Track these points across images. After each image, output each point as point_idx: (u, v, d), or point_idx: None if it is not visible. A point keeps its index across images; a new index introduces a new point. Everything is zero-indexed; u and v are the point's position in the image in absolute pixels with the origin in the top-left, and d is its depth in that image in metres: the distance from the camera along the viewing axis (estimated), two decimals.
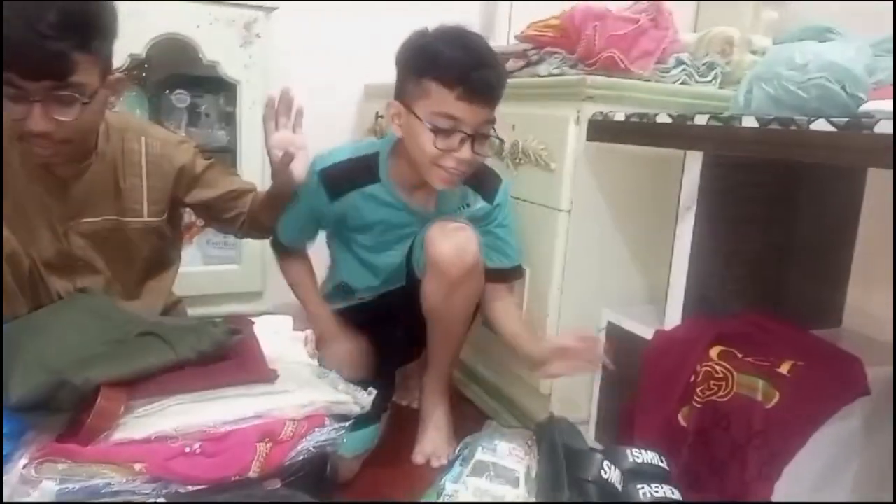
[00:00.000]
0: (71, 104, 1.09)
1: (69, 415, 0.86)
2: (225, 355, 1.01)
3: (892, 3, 1.33)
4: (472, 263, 1.31)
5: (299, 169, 1.32)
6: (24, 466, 0.82)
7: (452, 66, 1.16)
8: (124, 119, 1.31)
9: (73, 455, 0.82)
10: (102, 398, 0.84)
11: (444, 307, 1.37)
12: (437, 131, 1.19)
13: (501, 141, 1.37)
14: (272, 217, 1.44)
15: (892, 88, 0.99)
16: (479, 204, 1.37)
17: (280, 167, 1.31)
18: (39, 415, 0.87)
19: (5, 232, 1.11)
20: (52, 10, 1.03)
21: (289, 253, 1.47)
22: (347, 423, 0.97)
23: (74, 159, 1.22)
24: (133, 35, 1.67)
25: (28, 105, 1.06)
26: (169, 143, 1.35)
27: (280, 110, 1.33)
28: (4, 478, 0.83)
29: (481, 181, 1.36)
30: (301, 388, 1.01)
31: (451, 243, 1.30)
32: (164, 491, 0.83)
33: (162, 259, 1.40)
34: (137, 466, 0.82)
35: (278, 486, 0.90)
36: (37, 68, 1.04)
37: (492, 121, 1.24)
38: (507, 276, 1.42)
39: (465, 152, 1.20)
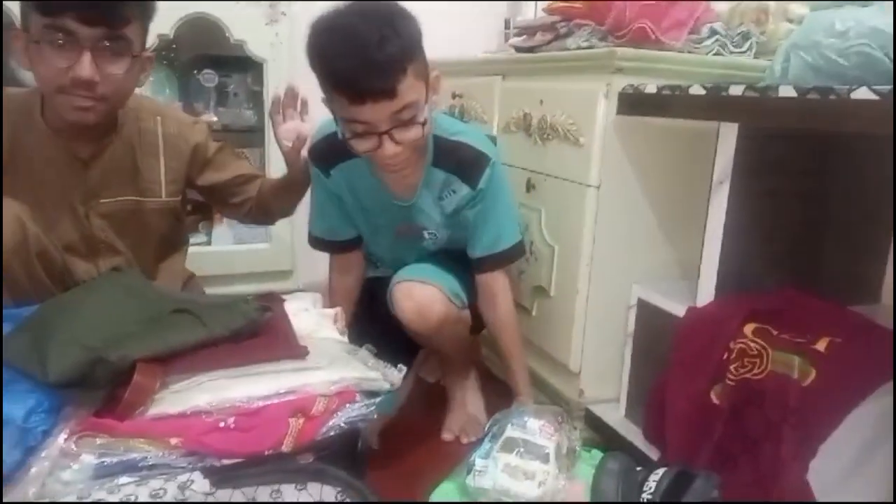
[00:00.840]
0: (120, 57, 1.11)
1: (106, 390, 0.88)
2: (256, 332, 1.02)
3: None
4: (439, 320, 1.30)
5: (290, 132, 1.33)
6: (64, 440, 0.84)
7: (337, 76, 1.08)
8: (137, 100, 1.31)
9: (111, 430, 0.84)
10: (138, 374, 0.86)
11: (432, 345, 1.41)
12: (353, 136, 1.14)
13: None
14: (285, 204, 1.47)
15: None
16: (464, 190, 1.30)
17: (292, 155, 1.33)
18: (77, 391, 0.89)
19: (35, 228, 1.13)
20: None
21: (327, 246, 1.44)
22: (378, 399, 0.98)
23: (95, 137, 1.23)
24: (161, 15, 1.67)
25: (77, 52, 1.07)
26: (184, 123, 1.36)
27: (286, 103, 1.35)
28: (45, 451, 0.86)
29: (465, 166, 1.28)
30: (331, 364, 1.01)
31: (411, 306, 1.29)
32: (200, 465, 0.84)
33: (175, 239, 1.42)
34: (173, 441, 0.84)
35: (311, 460, 0.91)
36: (96, 12, 1.06)
37: (408, 104, 1.11)
38: (493, 263, 1.35)
39: (388, 148, 1.13)
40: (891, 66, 0.95)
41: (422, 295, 1.29)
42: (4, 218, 1.07)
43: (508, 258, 1.37)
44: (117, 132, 1.26)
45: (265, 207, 1.46)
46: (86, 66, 1.08)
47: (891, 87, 0.83)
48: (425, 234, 1.37)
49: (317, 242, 1.44)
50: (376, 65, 1.04)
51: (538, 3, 2.11)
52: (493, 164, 1.30)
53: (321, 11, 1.79)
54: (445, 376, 1.55)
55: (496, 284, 1.37)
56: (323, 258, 1.66)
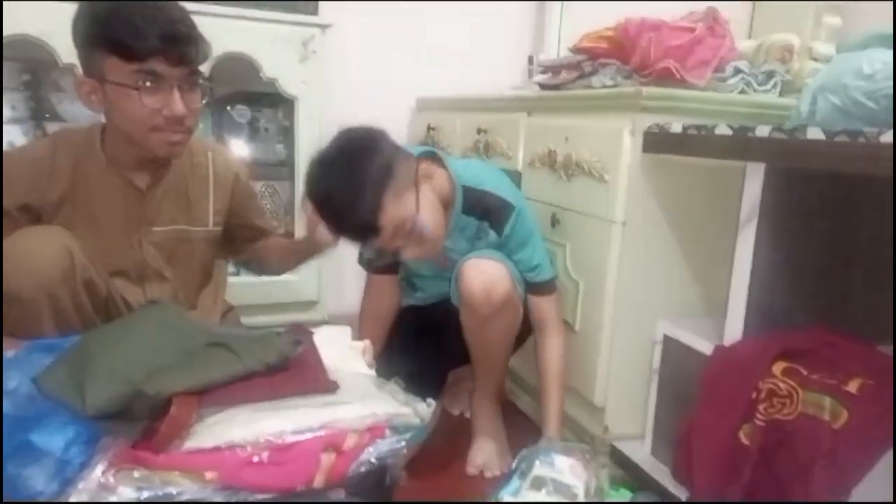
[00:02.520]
0: (197, 90, 1.20)
1: (143, 423, 0.89)
2: (288, 366, 1.04)
3: None
4: (502, 300, 1.32)
5: (327, 235, 1.32)
6: (102, 473, 0.86)
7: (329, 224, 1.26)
8: None
9: (148, 463, 0.85)
10: (175, 408, 0.88)
11: (480, 338, 1.41)
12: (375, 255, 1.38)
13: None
14: (288, 266, 1.54)
15: None
16: (492, 235, 1.38)
17: (321, 237, 1.34)
18: (115, 423, 0.91)
19: (82, 258, 1.17)
20: (175, 4, 1.17)
21: (374, 268, 1.51)
22: (408, 435, 0.99)
23: (153, 169, 1.30)
24: None
25: (167, 91, 1.15)
26: (230, 160, 1.44)
27: None
28: (82, 484, 0.87)
29: (491, 213, 1.37)
30: (362, 399, 1.03)
31: (481, 280, 1.31)
32: (234, 499, 0.86)
33: (213, 267, 1.46)
34: (208, 475, 0.85)
35: (342, 496, 0.92)
36: (182, 53, 1.14)
37: (399, 225, 1.23)
38: (535, 289, 1.42)
39: (409, 256, 1.30)
40: None
41: (492, 270, 1.32)
42: (53, 247, 1.12)
43: (546, 289, 1.43)
44: (172, 164, 1.31)
45: (264, 262, 1.54)
46: (178, 104, 1.16)
47: None
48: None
49: (367, 264, 1.51)
50: (354, 227, 1.22)
51: (560, 42, 2.15)
52: (518, 212, 1.38)
53: (351, 51, 1.81)
54: (472, 408, 1.55)
55: (544, 309, 1.43)
56: (349, 289, 1.69)
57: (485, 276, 1.31)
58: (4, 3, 1.56)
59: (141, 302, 1.31)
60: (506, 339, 1.44)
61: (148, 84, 1.14)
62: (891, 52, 1.01)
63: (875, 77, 0.99)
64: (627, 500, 1.10)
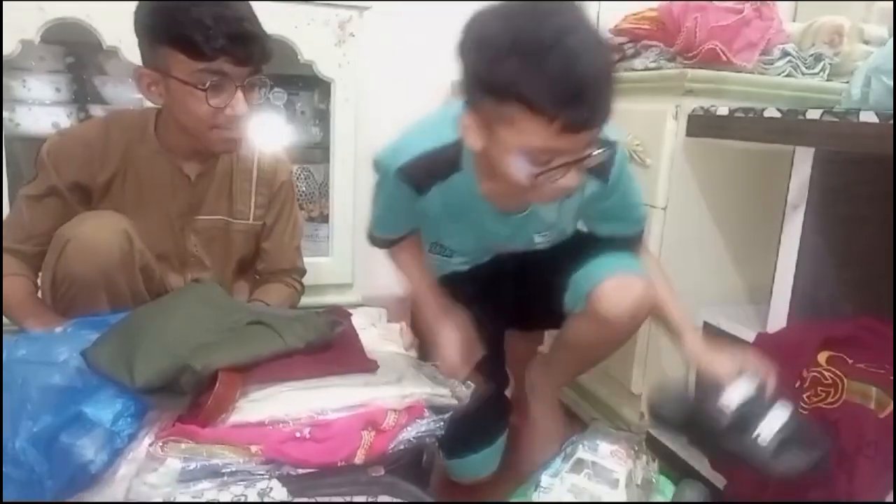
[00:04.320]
0: (256, 90, 1.21)
1: (190, 397, 0.91)
2: (329, 345, 1.05)
3: None
4: (639, 323, 1.20)
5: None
6: (150, 445, 0.88)
7: (564, 103, 0.89)
8: None
9: (195, 436, 0.87)
10: (221, 383, 0.89)
11: (597, 352, 1.30)
12: (542, 168, 0.96)
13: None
14: (269, 301, 1.39)
15: None
16: (594, 187, 1.14)
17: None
18: (162, 396, 0.93)
19: (140, 243, 1.19)
20: (242, 2, 1.16)
21: (391, 242, 1.31)
22: (447, 415, 0.99)
23: (203, 158, 1.31)
24: None
25: (230, 91, 1.16)
26: (278, 160, 1.42)
27: None
28: (132, 454, 0.90)
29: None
30: (400, 379, 1.03)
31: (630, 301, 1.14)
32: (277, 473, 0.87)
33: (252, 259, 1.47)
34: (253, 448, 0.86)
35: (382, 472, 0.93)
36: (249, 53, 1.15)
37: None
38: (625, 243, 1.24)
39: (573, 178, 0.98)
40: None
41: (640, 291, 1.15)
42: (113, 232, 1.14)
43: (633, 242, 1.25)
44: (221, 155, 1.32)
45: (257, 293, 1.44)
46: (242, 104, 1.17)
47: None
48: (536, 239, 1.25)
49: (381, 241, 1.32)
50: (603, 96, 0.90)
51: (598, 24, 2.11)
52: (621, 154, 1.14)
53: (389, 34, 1.79)
54: (533, 400, 1.41)
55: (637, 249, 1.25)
56: (383, 272, 1.68)
57: (634, 296, 1.14)
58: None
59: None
60: (616, 349, 1.31)
61: (213, 83, 1.14)
62: None
63: None
64: (670, 490, 1.09)
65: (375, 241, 1.32)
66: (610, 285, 1.15)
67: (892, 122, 0.91)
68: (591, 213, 1.23)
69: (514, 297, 1.35)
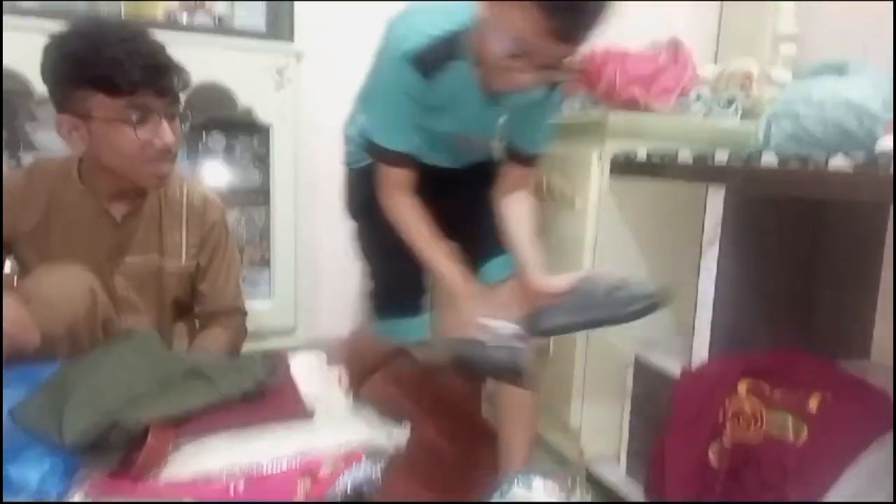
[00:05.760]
0: (177, 119, 1.22)
1: (121, 452, 0.90)
2: (264, 392, 1.05)
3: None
4: None
5: None
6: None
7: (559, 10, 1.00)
8: None
9: (126, 493, 0.86)
10: (152, 438, 0.89)
11: None
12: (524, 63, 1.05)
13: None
14: (210, 347, 1.37)
15: None
16: (536, 95, 1.18)
17: None
18: (93, 452, 0.91)
19: (104, 297, 1.19)
20: (151, 36, 1.17)
21: (397, 164, 1.22)
22: (382, 461, 1.00)
23: (130, 198, 1.30)
24: None
25: (156, 122, 1.17)
26: (208, 199, 1.41)
27: None
28: None
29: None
30: (338, 425, 1.04)
31: None
32: None
33: (188, 302, 1.46)
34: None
35: None
36: (167, 83, 1.17)
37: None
38: (528, 160, 1.29)
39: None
40: (864, 134, 1.00)
41: None
42: (77, 287, 1.13)
43: (533, 161, 1.30)
44: (147, 194, 1.32)
45: (200, 337, 1.41)
46: (169, 133, 1.19)
47: (863, 157, 0.89)
48: (493, 144, 1.32)
49: (387, 154, 1.21)
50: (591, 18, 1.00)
51: None
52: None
53: (327, 78, 1.82)
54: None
55: (528, 180, 1.31)
56: (326, 314, 1.69)
57: None
58: None
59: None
60: None
61: (139, 117, 1.15)
62: (839, 82, 1.07)
63: (824, 105, 1.04)
64: None
65: (380, 152, 1.22)
66: None
67: (790, 165, 0.98)
68: (517, 122, 1.26)
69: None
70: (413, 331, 1.41)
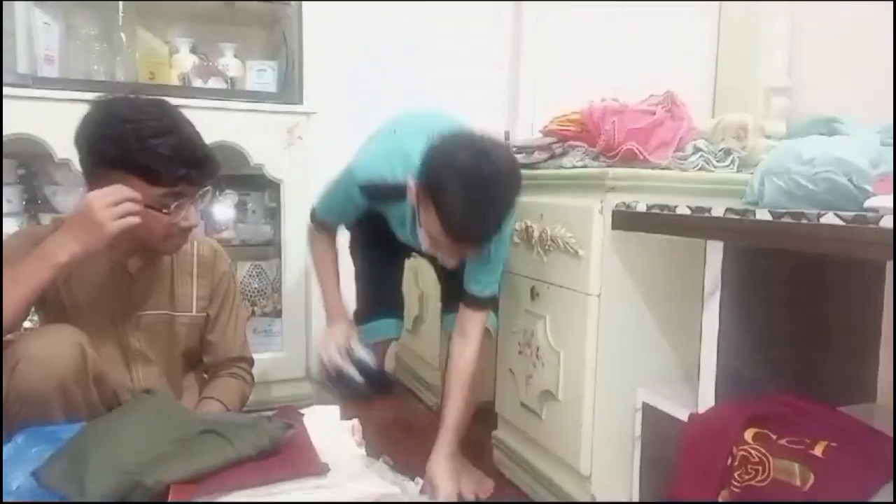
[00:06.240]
0: (205, 199, 1.31)
1: None
2: (279, 449, 1.08)
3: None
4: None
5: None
6: None
7: (456, 229, 1.32)
8: None
9: None
10: (172, 496, 0.91)
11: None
12: (431, 242, 1.39)
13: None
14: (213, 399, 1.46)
15: None
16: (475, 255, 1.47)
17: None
18: None
19: (93, 353, 1.22)
20: (188, 124, 1.26)
21: (324, 229, 1.66)
22: None
23: (145, 253, 1.36)
24: None
25: (186, 207, 1.25)
26: (216, 251, 1.49)
27: None
28: None
29: None
30: (351, 479, 1.06)
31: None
32: None
33: (198, 353, 1.50)
34: None
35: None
36: (204, 175, 1.26)
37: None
38: (479, 304, 1.56)
39: (452, 263, 1.46)
40: (854, 190, 1.04)
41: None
42: (67, 345, 1.16)
43: (485, 304, 1.58)
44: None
45: (202, 386, 1.49)
46: (196, 217, 1.28)
47: (854, 213, 0.92)
48: None
49: (319, 223, 1.66)
50: (490, 228, 1.34)
51: (534, 124, 2.26)
52: (513, 215, 1.49)
53: (335, 134, 1.91)
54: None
55: (476, 323, 1.57)
56: None
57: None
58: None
59: (127, 384, 1.35)
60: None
61: (174, 201, 1.22)
62: (827, 141, 1.12)
63: (814, 162, 1.08)
64: None
65: (315, 220, 1.66)
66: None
67: (784, 220, 1.02)
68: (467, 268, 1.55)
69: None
70: (386, 330, 1.71)
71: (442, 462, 1.48)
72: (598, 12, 2.14)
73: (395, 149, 1.49)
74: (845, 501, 1.02)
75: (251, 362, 1.55)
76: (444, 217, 1.28)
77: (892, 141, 1.19)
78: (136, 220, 1.17)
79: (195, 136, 1.24)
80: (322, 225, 1.65)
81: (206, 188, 1.28)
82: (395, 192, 1.44)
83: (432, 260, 1.73)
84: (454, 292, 1.63)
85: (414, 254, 1.79)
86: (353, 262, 1.75)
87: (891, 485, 1.05)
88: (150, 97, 1.27)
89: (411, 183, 1.35)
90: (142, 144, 1.17)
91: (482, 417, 1.89)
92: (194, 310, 1.43)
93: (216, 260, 1.47)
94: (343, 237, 1.76)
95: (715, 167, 1.55)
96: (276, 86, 2.07)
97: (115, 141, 1.18)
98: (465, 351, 1.56)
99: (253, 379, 1.55)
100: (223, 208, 2.09)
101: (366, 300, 1.73)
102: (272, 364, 2.07)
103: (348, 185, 1.50)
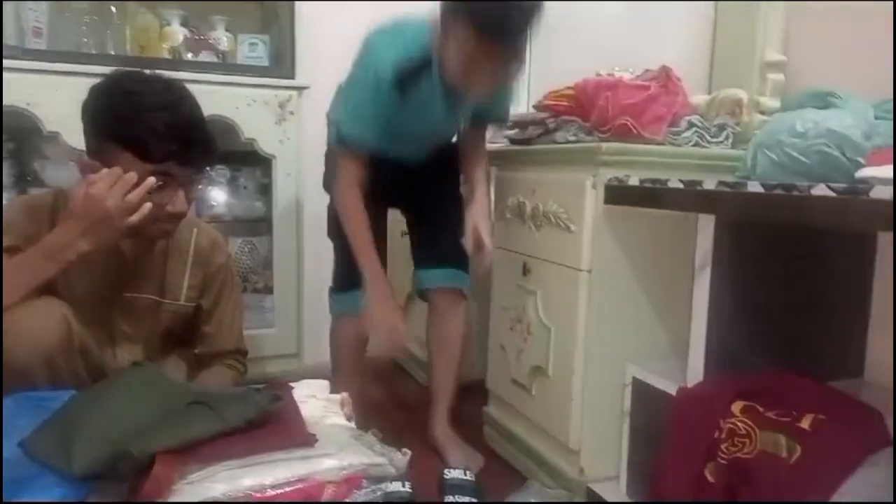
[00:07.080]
0: (196, 186, 1.29)
1: (128, 482, 0.93)
2: (267, 421, 1.08)
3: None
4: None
5: None
6: None
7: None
8: None
9: None
10: (158, 467, 0.91)
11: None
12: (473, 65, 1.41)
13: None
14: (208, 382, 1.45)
15: (890, 151, 1.04)
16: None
17: None
18: (101, 483, 0.94)
19: (78, 326, 1.20)
20: (191, 104, 1.23)
21: (351, 155, 1.51)
22: (384, 485, 1.02)
23: (141, 237, 1.33)
24: None
25: (173, 189, 1.22)
26: (216, 243, 1.46)
27: None
28: None
29: None
30: (339, 450, 1.06)
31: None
32: None
33: (182, 336, 1.49)
34: None
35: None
36: (195, 156, 1.22)
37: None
38: (486, 125, 1.69)
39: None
40: (847, 163, 1.04)
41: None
42: (51, 317, 1.15)
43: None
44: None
45: (191, 372, 1.48)
46: (182, 203, 1.24)
47: (845, 184, 0.92)
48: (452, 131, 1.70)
49: (350, 146, 1.50)
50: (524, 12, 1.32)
51: (530, 99, 2.24)
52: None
53: (331, 101, 1.89)
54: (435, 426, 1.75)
55: (482, 138, 1.70)
56: (327, 339, 1.72)
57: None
58: None
59: (111, 363, 1.35)
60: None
61: (160, 184, 1.19)
62: (821, 113, 1.10)
63: (807, 135, 1.08)
64: None
65: (342, 138, 1.50)
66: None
67: (775, 192, 1.02)
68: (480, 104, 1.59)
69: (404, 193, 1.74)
70: (353, 304, 1.64)
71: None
72: None
73: (397, 32, 1.46)
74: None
75: (245, 353, 1.55)
76: (478, 16, 1.29)
77: (886, 115, 1.18)
78: (149, 205, 1.16)
79: (194, 118, 1.22)
80: (350, 143, 1.49)
81: (197, 171, 1.25)
82: (425, 64, 1.45)
83: (406, 209, 1.79)
84: (427, 246, 1.70)
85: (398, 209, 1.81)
86: (332, 240, 1.71)
87: (881, 456, 1.06)
88: (163, 74, 1.25)
89: (437, 15, 1.38)
90: (135, 116, 1.15)
91: (472, 394, 1.90)
92: (182, 298, 1.42)
93: (213, 251, 1.45)
94: (321, 219, 1.74)
95: (709, 143, 1.54)
96: (268, 59, 2.04)
97: (112, 111, 1.17)
98: (479, 155, 1.68)
99: (246, 370, 1.55)
100: (215, 185, 2.08)
101: (346, 270, 1.65)
102: (264, 340, 2.07)
103: (376, 82, 1.42)
